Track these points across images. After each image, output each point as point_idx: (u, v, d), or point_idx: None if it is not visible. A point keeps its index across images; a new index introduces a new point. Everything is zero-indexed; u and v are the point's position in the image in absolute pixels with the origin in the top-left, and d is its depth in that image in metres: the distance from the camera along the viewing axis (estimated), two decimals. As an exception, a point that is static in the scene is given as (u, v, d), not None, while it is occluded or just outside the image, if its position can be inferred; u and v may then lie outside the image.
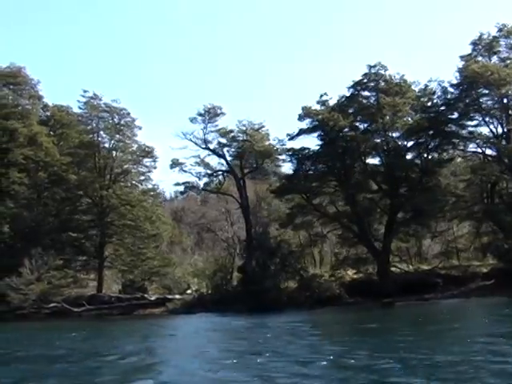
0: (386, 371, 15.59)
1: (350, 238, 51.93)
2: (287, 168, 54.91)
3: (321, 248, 58.28)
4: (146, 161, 55.83)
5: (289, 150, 50.78)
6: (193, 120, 51.14)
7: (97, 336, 33.78)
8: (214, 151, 52.71)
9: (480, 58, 50.86)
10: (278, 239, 51.67)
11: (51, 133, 59.64)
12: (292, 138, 49.80)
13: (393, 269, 49.86)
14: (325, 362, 17.70)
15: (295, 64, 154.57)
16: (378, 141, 49.66)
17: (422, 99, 50.91)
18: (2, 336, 34.95)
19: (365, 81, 49.90)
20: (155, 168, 56.06)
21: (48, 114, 62.50)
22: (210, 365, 18.69)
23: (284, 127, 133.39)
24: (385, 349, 20.04)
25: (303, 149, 49.98)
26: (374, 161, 52.55)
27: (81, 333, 34.71)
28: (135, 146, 55.78)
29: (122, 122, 55.04)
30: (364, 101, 50.30)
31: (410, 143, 50.56)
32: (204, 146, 52.04)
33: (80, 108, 55.61)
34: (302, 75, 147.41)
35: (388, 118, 48.59)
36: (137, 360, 21.07)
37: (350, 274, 52.24)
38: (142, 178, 56.51)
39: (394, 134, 50.00)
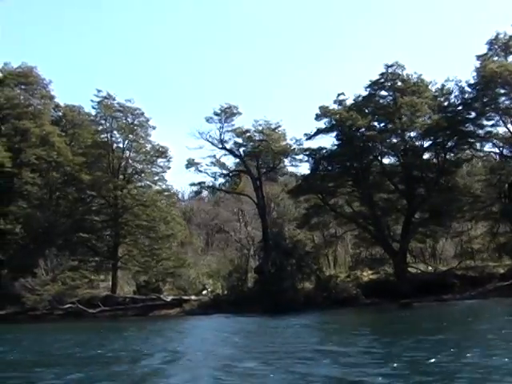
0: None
1: (367, 239, 51.66)
2: (303, 168, 54.68)
3: (334, 249, 58.06)
4: (160, 161, 55.52)
5: (306, 149, 50.52)
6: (209, 120, 50.83)
7: (136, 337, 33.12)
8: (230, 151, 52.37)
9: (496, 58, 50.59)
10: (293, 240, 51.38)
11: (63, 133, 59.32)
12: (310, 137, 49.51)
13: (410, 269, 49.65)
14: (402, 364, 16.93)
15: (310, 64, 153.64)
16: (396, 140, 49.39)
17: (438, 99, 50.63)
18: (45, 337, 34.65)
19: (382, 80, 49.68)
20: (169, 168, 55.76)
21: (60, 114, 62.27)
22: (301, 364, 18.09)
23: (299, 127, 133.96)
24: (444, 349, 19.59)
25: (320, 148, 49.73)
26: (388, 160, 52.31)
27: (118, 334, 34.61)
28: (149, 146, 55.48)
29: (136, 122, 54.74)
30: (381, 100, 50.06)
31: (427, 143, 50.22)
32: (220, 146, 51.74)
33: (93, 108, 55.32)
34: (317, 75, 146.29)
35: (406, 117, 48.26)
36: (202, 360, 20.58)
37: (365, 274, 52.17)
38: (156, 178, 56.13)
39: (412, 134, 49.69)
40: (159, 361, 20.30)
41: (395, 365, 16.41)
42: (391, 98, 49.69)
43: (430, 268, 51.77)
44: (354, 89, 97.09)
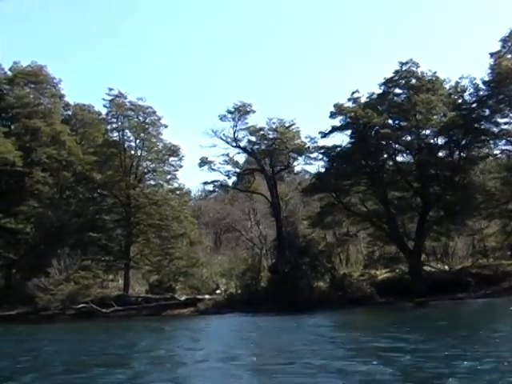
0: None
1: (382, 237, 51.43)
2: (313, 167, 54.23)
3: (346, 247, 57.83)
4: (172, 159, 55.25)
5: (321, 147, 50.27)
6: (222, 118, 50.41)
7: (174, 335, 33.14)
8: (244, 149, 52.02)
9: (510, 56, 50.31)
10: (306, 238, 51.18)
11: (72, 132, 59.07)
12: (325, 135, 49.22)
13: (425, 268, 49.43)
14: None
15: (324, 62, 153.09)
16: (410, 138, 49.16)
17: (452, 96, 50.38)
18: (80, 336, 34.58)
19: (396, 78, 49.40)
20: (181, 167, 55.49)
21: (69, 112, 62.01)
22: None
23: (310, 126, 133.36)
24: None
25: (335, 146, 49.49)
26: (402, 158, 52.03)
27: (150, 333, 34.85)
28: (161, 145, 55.23)
29: (148, 121, 54.49)
30: (395, 98, 49.81)
31: (442, 141, 50.00)
32: (234, 144, 51.43)
33: (105, 106, 55.00)
34: (330, 74, 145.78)
35: (421, 115, 47.97)
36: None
37: (378, 273, 51.93)
38: (168, 176, 55.80)
39: (427, 132, 49.44)
40: (219, 360, 20.06)
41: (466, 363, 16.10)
42: (406, 95, 49.41)
43: (445, 267, 51.52)
44: (367, 87, 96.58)
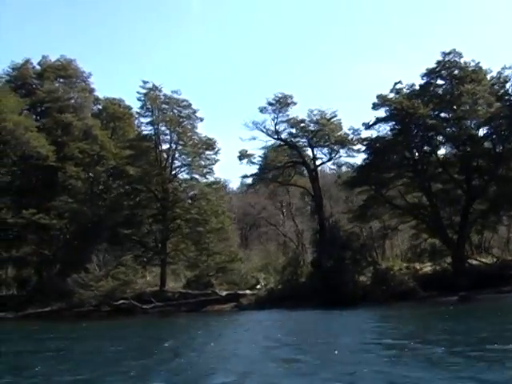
0: None
1: (425, 230, 50.81)
2: (358, 160, 53.24)
3: (384, 241, 57.13)
4: (208, 153, 54.43)
5: (364, 139, 49.57)
6: (263, 110, 49.71)
7: (253, 329, 32.43)
8: (285, 141, 51.26)
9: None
10: (347, 232, 50.47)
11: (103, 126, 58.32)
12: (368, 127, 48.54)
13: (469, 261, 48.86)
14: None
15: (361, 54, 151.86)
16: (455, 129, 48.45)
17: (495, 87, 49.70)
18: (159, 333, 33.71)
19: (438, 69, 48.70)
20: (217, 161, 54.62)
21: (99, 107, 61.19)
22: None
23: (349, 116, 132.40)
24: None
25: (379, 138, 48.78)
26: (445, 150, 51.38)
27: (222, 328, 34.32)
28: (196, 138, 54.43)
29: (183, 114, 53.69)
30: (438, 89, 49.14)
31: (485, 132, 49.31)
32: (276, 137, 50.72)
33: (139, 100, 54.09)
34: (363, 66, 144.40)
35: (467, 106, 47.28)
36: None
37: (418, 266, 51.26)
38: (205, 170, 54.92)
39: (470, 123, 48.70)
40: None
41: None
42: (449, 86, 48.75)
43: (490, 259, 50.82)
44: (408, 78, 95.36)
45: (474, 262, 49.38)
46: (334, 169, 56.17)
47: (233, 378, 16.18)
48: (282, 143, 51.75)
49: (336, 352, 19.70)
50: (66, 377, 17.74)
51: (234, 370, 17.41)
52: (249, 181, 57.68)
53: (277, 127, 50.57)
